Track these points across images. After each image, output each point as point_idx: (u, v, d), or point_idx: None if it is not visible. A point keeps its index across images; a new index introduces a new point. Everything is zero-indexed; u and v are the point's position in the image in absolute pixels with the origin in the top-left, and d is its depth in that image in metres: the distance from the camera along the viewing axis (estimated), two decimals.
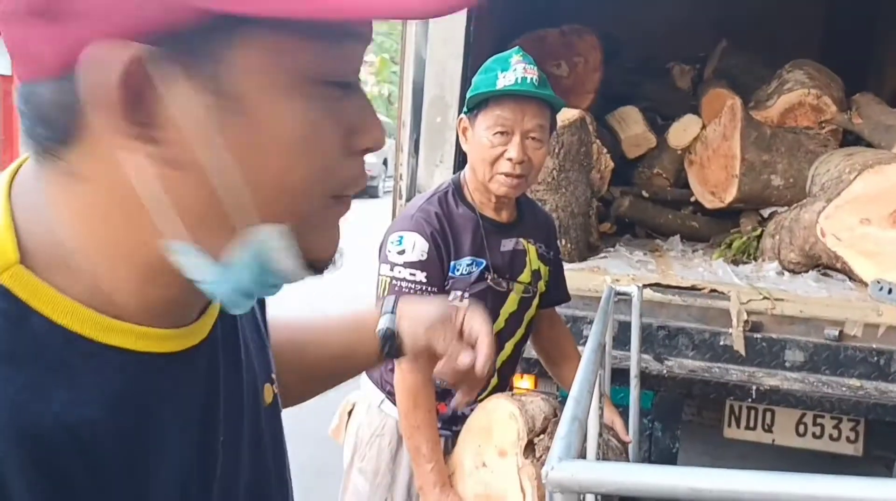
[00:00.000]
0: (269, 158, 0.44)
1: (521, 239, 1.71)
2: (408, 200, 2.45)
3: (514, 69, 1.54)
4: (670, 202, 3.74)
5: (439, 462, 1.54)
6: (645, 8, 4.35)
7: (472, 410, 1.65)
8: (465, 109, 1.64)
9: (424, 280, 1.57)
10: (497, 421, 1.53)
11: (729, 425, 2.59)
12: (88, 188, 0.44)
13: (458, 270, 1.61)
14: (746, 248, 3.16)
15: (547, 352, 1.93)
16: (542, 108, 1.58)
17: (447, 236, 1.60)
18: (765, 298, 2.45)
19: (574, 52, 3.78)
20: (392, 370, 1.61)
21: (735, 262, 3.03)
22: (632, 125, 3.90)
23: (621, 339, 2.32)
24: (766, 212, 3.40)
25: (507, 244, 1.68)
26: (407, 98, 2.55)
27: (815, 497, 0.67)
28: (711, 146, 3.53)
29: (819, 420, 2.53)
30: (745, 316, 2.42)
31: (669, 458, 2.52)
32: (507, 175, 1.57)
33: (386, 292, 1.59)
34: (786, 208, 3.20)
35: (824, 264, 2.82)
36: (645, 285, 2.43)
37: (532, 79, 1.53)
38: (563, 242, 2.69)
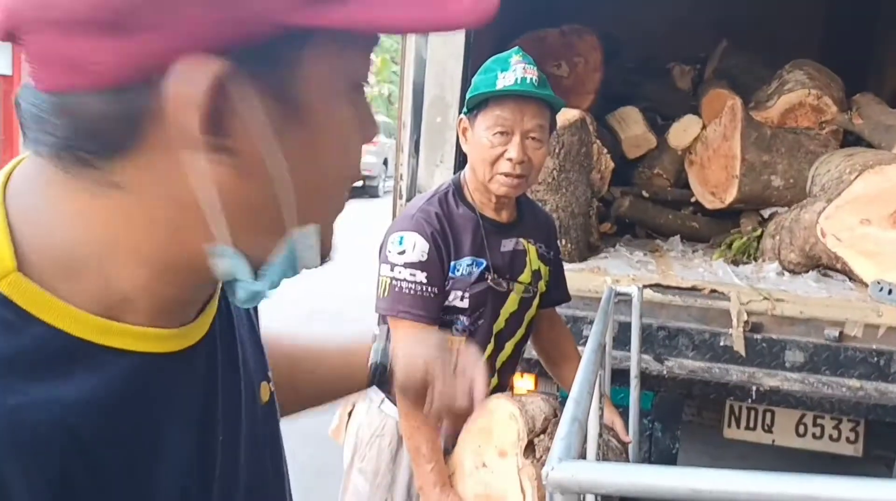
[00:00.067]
0: (321, 161, 0.47)
1: (522, 239, 1.71)
2: (408, 200, 2.45)
3: (514, 69, 1.54)
4: (670, 203, 3.74)
5: (439, 463, 1.54)
6: (645, 8, 4.35)
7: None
8: (464, 109, 1.65)
9: (425, 280, 1.57)
10: (497, 421, 1.53)
11: (729, 425, 2.59)
12: (127, 196, 0.43)
13: (458, 270, 1.61)
14: (747, 248, 3.16)
15: (547, 352, 1.93)
16: (542, 108, 1.58)
17: (447, 237, 1.60)
18: (765, 298, 2.45)
19: (574, 53, 3.78)
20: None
21: (735, 262, 3.03)
22: (632, 125, 3.90)
23: (621, 339, 2.32)
24: (766, 212, 3.40)
25: (508, 244, 1.68)
26: (407, 98, 2.56)
27: (815, 497, 0.67)
28: (712, 147, 3.53)
29: (819, 421, 2.53)
30: (745, 317, 2.42)
31: (669, 458, 2.52)
32: (507, 175, 1.57)
33: (386, 293, 1.59)
34: (786, 208, 3.20)
35: (824, 265, 2.82)
36: (645, 286, 2.43)
37: (532, 79, 1.53)
38: (564, 242, 2.69)
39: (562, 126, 2.69)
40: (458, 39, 2.50)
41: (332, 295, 6.13)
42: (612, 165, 3.21)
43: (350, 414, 1.80)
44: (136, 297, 0.46)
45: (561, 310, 1.97)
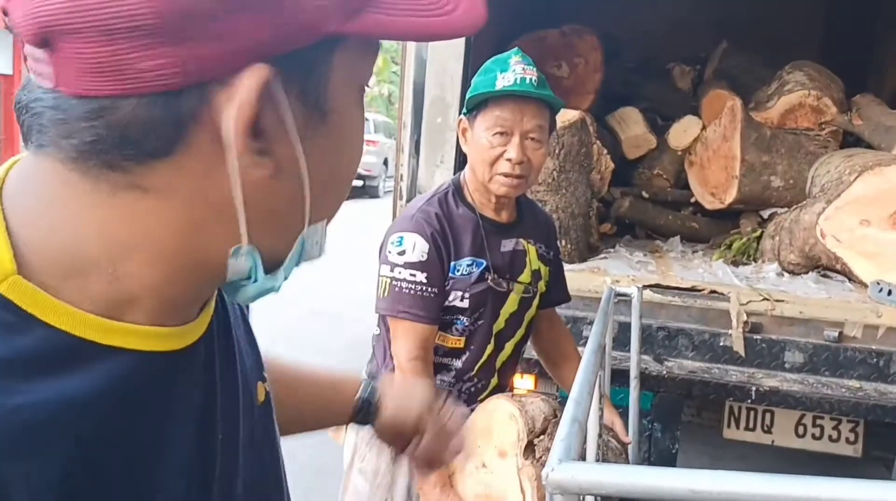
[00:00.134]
0: (338, 160, 0.50)
1: (521, 239, 1.71)
2: (408, 200, 2.46)
3: (514, 70, 1.54)
4: (670, 203, 3.74)
5: None
6: (645, 8, 4.35)
7: (472, 410, 1.65)
8: (464, 109, 1.65)
9: (425, 281, 1.57)
10: (497, 422, 1.53)
11: (728, 426, 2.59)
12: (150, 197, 0.44)
13: (458, 270, 1.61)
14: (746, 249, 3.16)
15: (547, 353, 1.93)
16: (542, 108, 1.58)
17: (447, 237, 1.60)
18: (764, 299, 2.46)
19: (574, 53, 3.78)
20: (393, 371, 1.61)
21: (735, 263, 3.04)
22: (632, 126, 3.91)
23: (621, 340, 2.32)
24: (765, 213, 3.40)
25: (507, 245, 1.68)
26: (407, 98, 2.56)
27: (814, 499, 0.67)
28: (711, 147, 3.54)
29: (818, 421, 2.53)
30: (744, 317, 2.42)
31: (669, 459, 2.52)
32: (506, 176, 1.57)
33: (386, 293, 1.59)
34: (786, 209, 3.21)
35: (824, 266, 2.83)
36: (645, 286, 2.43)
37: (531, 79, 1.54)
38: (564, 243, 2.69)
39: (562, 127, 2.69)
40: (458, 40, 2.50)
41: (332, 295, 6.13)
42: (612, 165, 3.22)
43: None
44: (143, 296, 0.46)
45: (561, 310, 1.97)
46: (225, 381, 0.55)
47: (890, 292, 2.43)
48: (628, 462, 1.94)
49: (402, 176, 2.59)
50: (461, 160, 2.10)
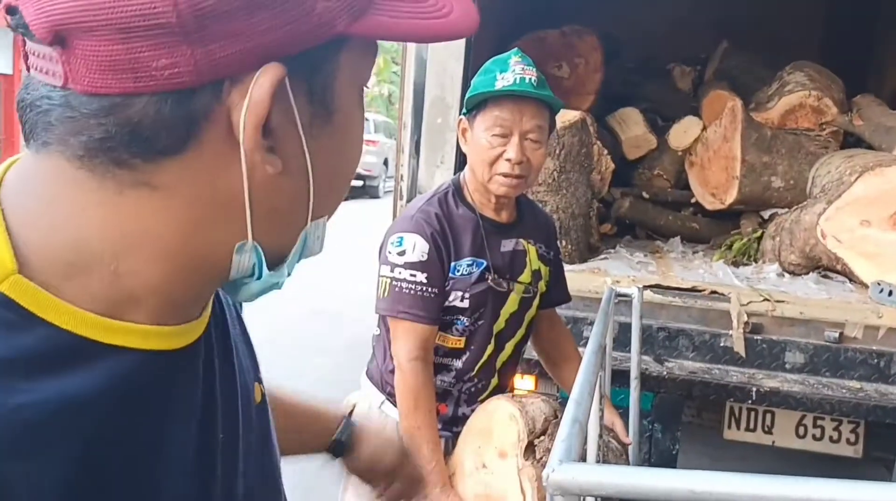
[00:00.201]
0: (341, 158, 0.51)
1: (521, 239, 1.71)
2: (408, 200, 2.46)
3: (513, 70, 1.54)
4: (671, 204, 3.74)
5: (440, 463, 1.54)
6: (645, 8, 4.35)
7: (472, 411, 1.65)
8: (464, 110, 1.65)
9: (425, 281, 1.57)
10: (497, 422, 1.53)
11: (729, 426, 2.59)
12: (158, 194, 0.44)
13: (458, 270, 1.61)
14: (747, 249, 3.16)
15: (547, 353, 1.93)
16: (541, 108, 1.58)
17: (447, 237, 1.60)
18: (765, 299, 2.46)
19: (575, 53, 3.79)
20: (392, 372, 1.61)
21: (735, 263, 3.04)
22: (632, 126, 3.91)
23: (622, 340, 2.32)
24: (766, 214, 3.40)
25: (507, 245, 1.68)
26: (408, 99, 2.56)
27: (815, 500, 0.67)
28: (712, 148, 3.54)
29: (819, 422, 2.53)
30: (745, 318, 2.42)
31: (669, 459, 2.52)
32: (505, 176, 1.57)
33: (386, 293, 1.59)
34: (786, 209, 3.21)
35: (824, 266, 2.83)
36: (645, 287, 2.43)
37: (530, 79, 1.54)
38: (564, 243, 2.69)
39: (562, 127, 2.69)
40: (458, 40, 2.50)
41: (332, 295, 6.13)
42: (612, 166, 3.22)
43: (350, 415, 1.80)
44: (144, 294, 0.46)
45: (561, 311, 1.97)
46: (224, 381, 0.55)
47: (891, 293, 2.43)
48: (629, 463, 1.94)
49: (402, 176, 2.59)
50: (461, 161, 2.10)
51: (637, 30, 4.33)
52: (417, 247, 1.58)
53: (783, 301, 2.46)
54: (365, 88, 0.52)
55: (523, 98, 1.55)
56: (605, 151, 3.19)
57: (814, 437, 2.54)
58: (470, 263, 1.62)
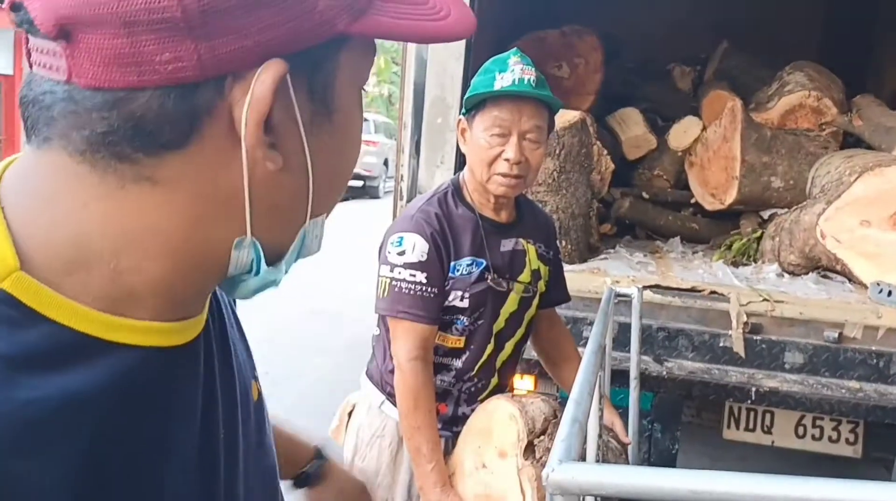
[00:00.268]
0: (340, 157, 0.52)
1: (521, 239, 1.71)
2: (409, 200, 2.46)
3: (512, 70, 1.54)
4: (670, 204, 3.74)
5: (440, 463, 1.54)
6: (645, 9, 4.35)
7: (472, 410, 1.65)
8: (463, 110, 1.65)
9: (424, 281, 1.57)
10: (497, 422, 1.53)
11: (728, 426, 2.59)
12: (160, 189, 0.44)
13: (458, 270, 1.61)
14: (746, 250, 3.16)
15: (547, 353, 1.93)
16: (540, 109, 1.58)
17: (447, 237, 1.60)
18: (764, 300, 2.46)
19: (575, 54, 3.79)
20: (392, 372, 1.61)
21: (735, 264, 3.04)
22: (632, 127, 3.91)
23: (621, 340, 2.32)
24: (766, 214, 3.40)
25: (507, 244, 1.68)
26: (408, 99, 2.56)
27: (814, 500, 0.67)
28: (712, 148, 3.54)
29: (818, 422, 2.53)
30: (744, 318, 2.42)
31: (669, 459, 2.52)
32: (504, 176, 1.57)
33: (386, 293, 1.59)
34: (786, 209, 3.21)
35: (824, 266, 2.83)
36: (645, 287, 2.43)
37: (529, 80, 1.54)
38: (564, 243, 2.70)
39: (562, 127, 2.69)
40: (458, 41, 2.51)
41: (331, 295, 6.13)
42: (612, 166, 3.22)
43: (350, 415, 1.80)
44: (145, 291, 0.46)
45: (561, 311, 1.97)
46: (223, 378, 0.55)
47: (890, 293, 2.43)
48: (628, 463, 1.94)
49: (402, 176, 2.59)
50: (461, 161, 2.10)
51: (636, 32, 4.34)
52: (417, 247, 1.58)
53: (783, 301, 2.46)
54: (364, 90, 0.53)
55: (522, 98, 1.55)
56: (605, 152, 3.19)
57: (813, 437, 2.54)
58: (469, 262, 1.62)
